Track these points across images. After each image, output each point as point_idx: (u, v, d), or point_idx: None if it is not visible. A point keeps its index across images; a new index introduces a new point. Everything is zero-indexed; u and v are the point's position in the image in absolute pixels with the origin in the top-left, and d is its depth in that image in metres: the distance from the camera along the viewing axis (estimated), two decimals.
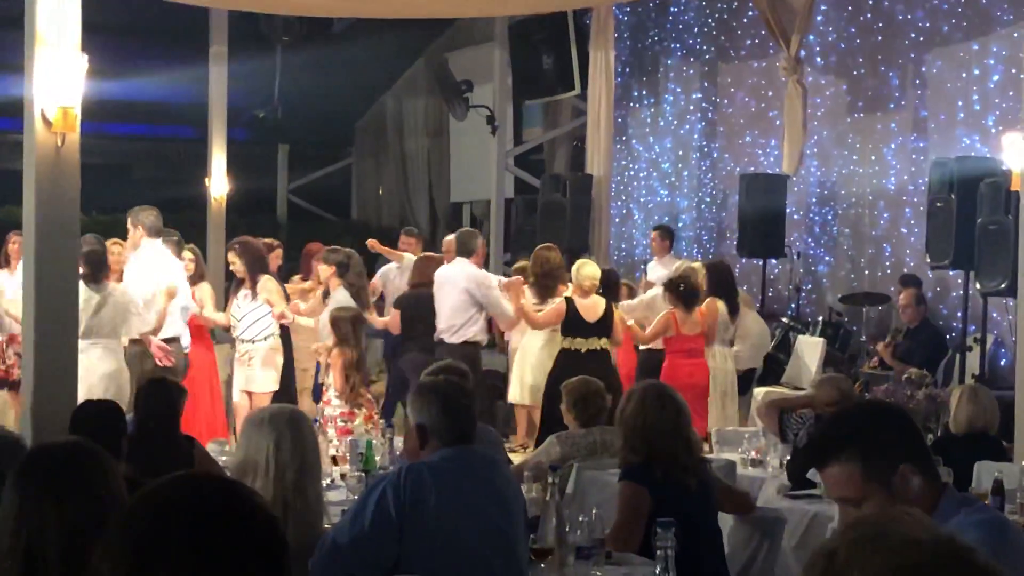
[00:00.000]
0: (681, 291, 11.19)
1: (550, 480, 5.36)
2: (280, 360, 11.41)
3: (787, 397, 8.19)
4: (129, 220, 11.04)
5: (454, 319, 11.16)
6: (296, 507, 4.68)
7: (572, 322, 10.93)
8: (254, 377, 11.27)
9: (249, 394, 11.26)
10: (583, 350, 10.89)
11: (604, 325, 10.98)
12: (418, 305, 11.61)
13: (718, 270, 11.99)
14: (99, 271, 10.04)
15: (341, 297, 10.94)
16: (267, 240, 13.07)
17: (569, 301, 10.99)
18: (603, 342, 10.98)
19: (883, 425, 3.32)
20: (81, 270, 9.25)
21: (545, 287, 11.59)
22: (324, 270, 11.24)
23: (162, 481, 2.22)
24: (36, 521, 3.16)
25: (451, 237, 12.71)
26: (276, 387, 11.32)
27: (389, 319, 12.01)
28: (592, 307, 11.01)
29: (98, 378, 9.50)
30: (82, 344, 9.33)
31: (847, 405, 6.44)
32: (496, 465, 5.07)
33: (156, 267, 10.65)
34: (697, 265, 12.06)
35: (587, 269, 11.22)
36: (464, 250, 11.46)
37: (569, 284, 11.39)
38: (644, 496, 5.59)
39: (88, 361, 9.31)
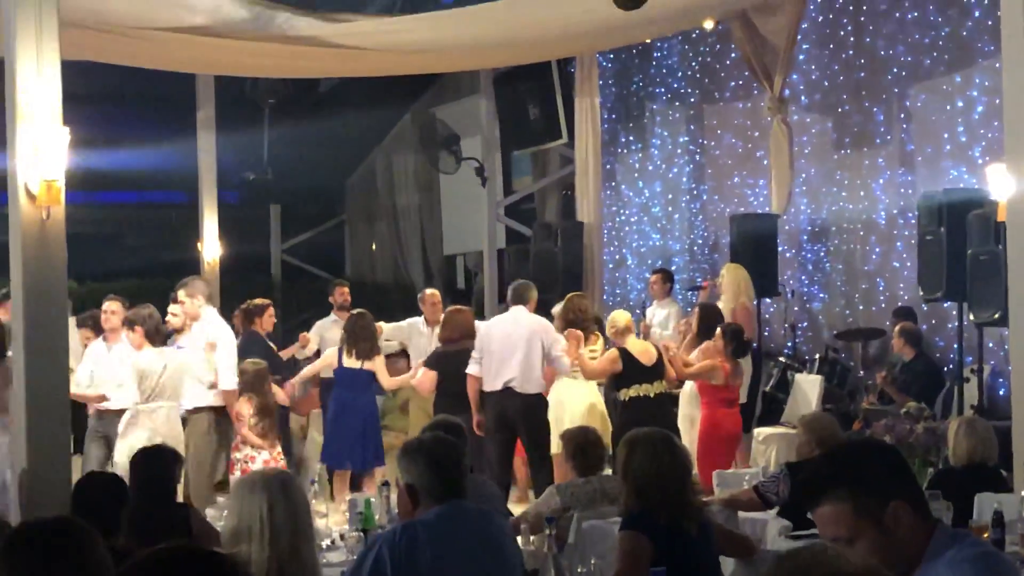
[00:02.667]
0: (738, 341, 11.23)
1: (547, 531, 5.34)
2: None
3: (729, 498, 8.12)
4: (183, 292, 11.12)
5: (530, 368, 11.00)
6: (292, 571, 4.65)
7: (632, 369, 10.95)
8: None
9: None
10: (652, 395, 10.93)
11: (660, 368, 11.04)
12: (458, 361, 11.28)
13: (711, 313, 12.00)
14: (160, 336, 10.48)
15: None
16: (259, 300, 13.07)
17: (623, 350, 11.02)
18: (663, 385, 11.05)
19: (872, 462, 3.30)
20: (144, 335, 10.00)
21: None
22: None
23: (148, 553, 2.21)
24: None
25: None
26: None
27: (421, 378, 11.66)
28: (646, 351, 11.07)
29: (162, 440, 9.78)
30: (148, 407, 9.88)
31: (835, 444, 6.40)
32: (491, 519, 5.05)
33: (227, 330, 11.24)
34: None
35: (616, 313, 11.55)
36: (522, 299, 11.36)
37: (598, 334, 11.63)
38: (645, 544, 5.54)
39: (153, 423, 9.96)
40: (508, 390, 10.91)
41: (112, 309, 10.97)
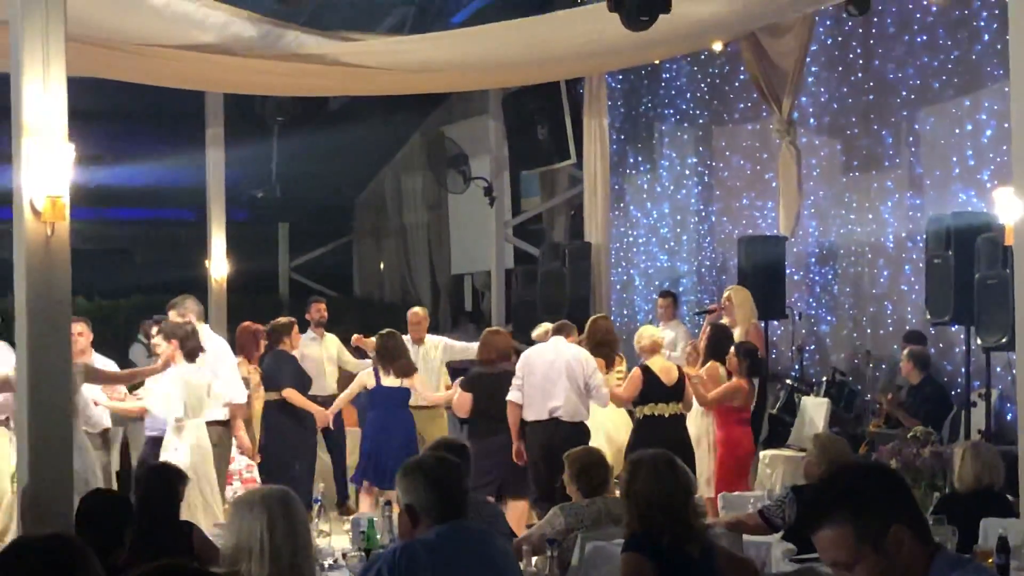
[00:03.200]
0: (752, 359, 11.30)
1: (548, 553, 5.32)
2: None
3: (734, 521, 8.10)
4: (174, 312, 11.15)
5: (576, 397, 10.95)
6: None
7: (651, 388, 10.98)
8: None
9: None
10: (666, 415, 10.97)
11: (679, 389, 11.06)
12: (495, 384, 11.22)
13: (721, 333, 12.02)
14: (194, 354, 10.53)
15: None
16: (284, 319, 12.97)
17: (646, 368, 11.05)
18: (679, 407, 11.06)
19: (873, 486, 3.26)
20: (181, 348, 10.24)
21: (608, 357, 11.61)
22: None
23: (140, 570, 2.20)
24: None
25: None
26: None
27: (458, 400, 11.49)
28: (668, 370, 11.11)
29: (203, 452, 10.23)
30: (194, 421, 10.21)
31: (836, 467, 6.35)
32: (491, 539, 5.03)
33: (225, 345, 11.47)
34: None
35: (644, 328, 11.56)
36: (562, 332, 11.38)
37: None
38: (646, 566, 5.51)
39: (196, 437, 10.23)
40: (554, 420, 10.87)
41: (78, 331, 10.58)
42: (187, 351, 10.36)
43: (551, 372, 10.91)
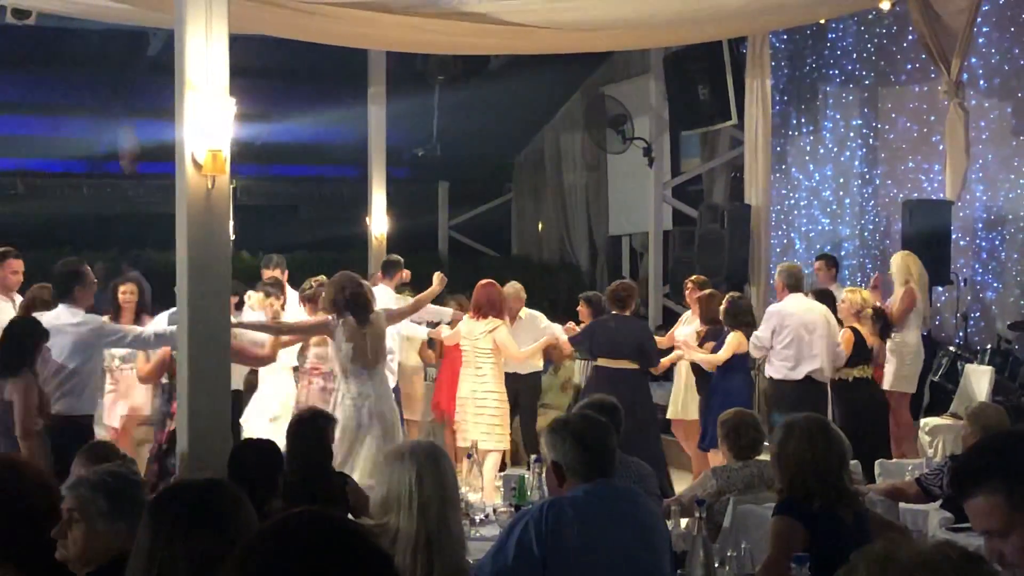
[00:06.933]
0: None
1: (697, 514, 5.28)
2: None
3: (891, 488, 7.99)
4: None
5: (826, 357, 11.01)
6: (441, 541, 4.68)
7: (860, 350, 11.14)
8: None
9: None
10: (849, 379, 11.12)
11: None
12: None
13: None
14: None
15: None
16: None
17: (855, 330, 11.15)
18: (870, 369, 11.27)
19: None
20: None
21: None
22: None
23: (282, 517, 2.23)
24: (167, 554, 3.22)
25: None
26: None
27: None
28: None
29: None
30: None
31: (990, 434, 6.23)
32: (638, 499, 5.02)
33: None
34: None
35: (863, 294, 11.68)
36: (800, 286, 11.46)
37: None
38: (798, 530, 5.45)
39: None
40: (808, 379, 10.91)
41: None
42: None
43: (804, 329, 10.93)
